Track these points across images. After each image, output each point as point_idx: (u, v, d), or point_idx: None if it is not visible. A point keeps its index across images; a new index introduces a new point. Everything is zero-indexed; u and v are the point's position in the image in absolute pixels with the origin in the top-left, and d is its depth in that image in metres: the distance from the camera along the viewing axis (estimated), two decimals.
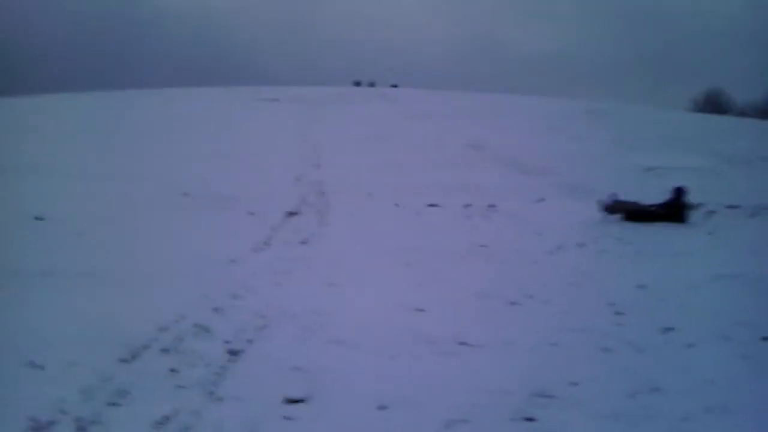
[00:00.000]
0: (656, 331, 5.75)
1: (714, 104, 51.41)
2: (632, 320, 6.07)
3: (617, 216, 11.10)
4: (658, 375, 4.75)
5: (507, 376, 4.69)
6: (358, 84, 42.13)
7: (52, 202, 9.79)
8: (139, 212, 9.97)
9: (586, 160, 17.96)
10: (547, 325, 5.92)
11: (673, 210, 11.01)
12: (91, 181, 12.17)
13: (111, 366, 4.59)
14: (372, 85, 41.71)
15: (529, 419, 4.06)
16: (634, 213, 11.03)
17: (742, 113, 48.05)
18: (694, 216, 11.37)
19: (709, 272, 7.77)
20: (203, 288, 6.48)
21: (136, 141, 17.20)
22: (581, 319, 6.05)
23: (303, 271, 7.56)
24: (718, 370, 4.87)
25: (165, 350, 4.96)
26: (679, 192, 11.18)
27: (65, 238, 8.12)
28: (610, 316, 6.19)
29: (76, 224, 8.80)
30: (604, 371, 4.87)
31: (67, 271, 6.73)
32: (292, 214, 10.84)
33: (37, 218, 8.86)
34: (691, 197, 11.27)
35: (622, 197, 11.37)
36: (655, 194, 11.86)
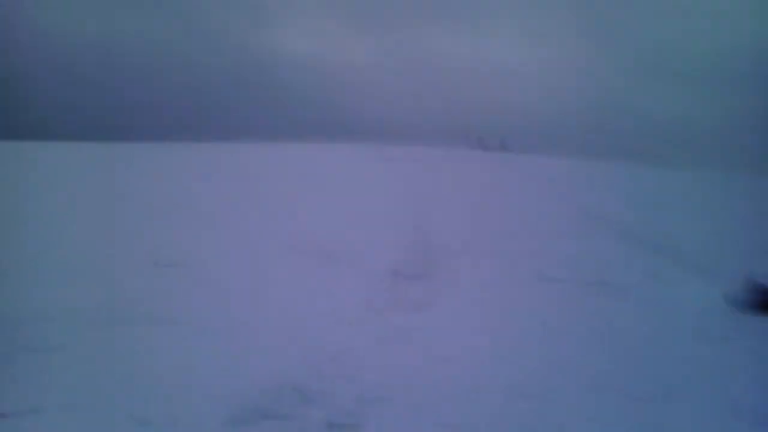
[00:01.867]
0: None
1: None
2: None
3: (753, 305, 10.07)
4: None
5: None
6: (481, 143, 42.12)
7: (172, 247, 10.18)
8: (248, 263, 10.19)
9: (710, 236, 16.76)
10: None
11: None
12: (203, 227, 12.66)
13: (215, 428, 4.55)
14: (500, 147, 41.50)
15: None
16: None
17: None
18: None
19: None
20: (304, 351, 6.44)
21: (261, 193, 17.91)
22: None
23: (410, 342, 7.30)
24: None
25: (265, 416, 4.89)
26: None
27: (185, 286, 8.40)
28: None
29: (194, 271, 9.09)
30: None
31: (177, 320, 6.93)
32: (403, 277, 10.68)
33: (156, 264, 9.22)
34: None
35: (760, 281, 10.28)
36: None
